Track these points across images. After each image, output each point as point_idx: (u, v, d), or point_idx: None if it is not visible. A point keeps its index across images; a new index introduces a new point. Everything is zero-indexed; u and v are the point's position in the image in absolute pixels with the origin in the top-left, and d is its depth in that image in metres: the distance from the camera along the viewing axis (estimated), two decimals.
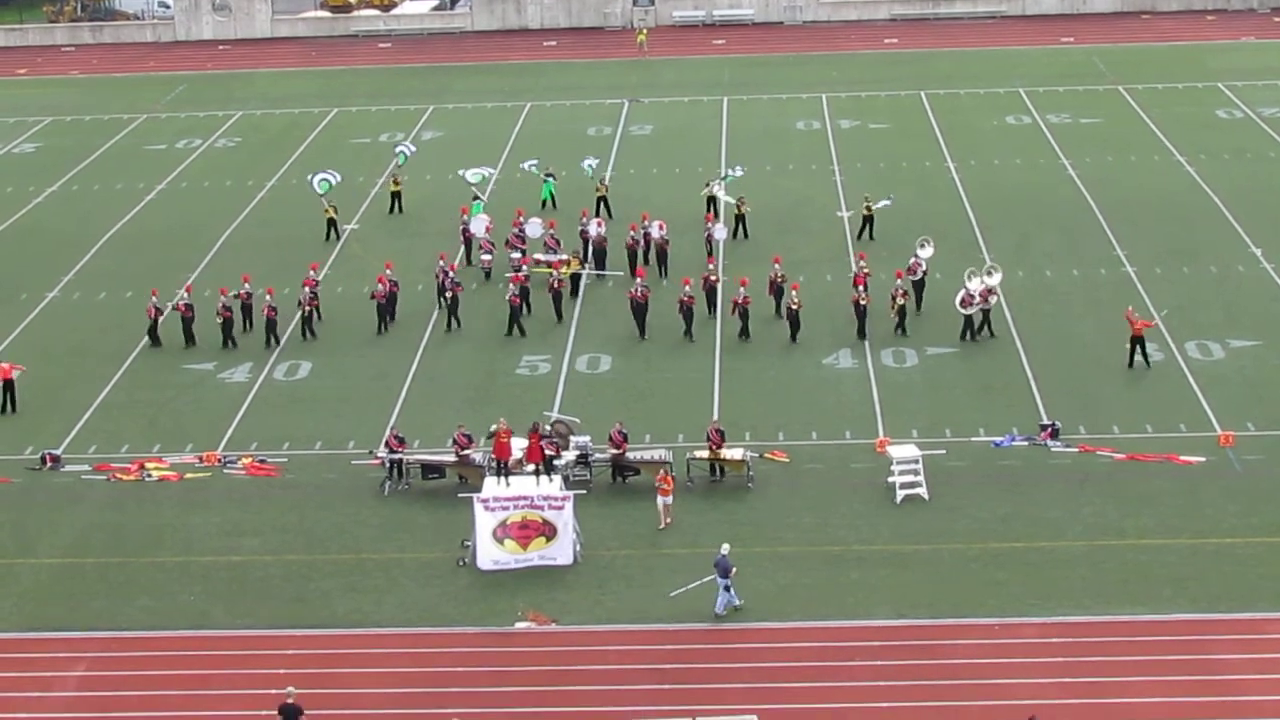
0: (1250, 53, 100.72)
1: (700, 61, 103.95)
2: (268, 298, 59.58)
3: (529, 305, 60.25)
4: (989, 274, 57.80)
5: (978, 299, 57.19)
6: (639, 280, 60.05)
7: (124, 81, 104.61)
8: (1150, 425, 51.13)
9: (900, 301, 57.87)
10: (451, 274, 60.75)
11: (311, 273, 62.03)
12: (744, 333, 58.10)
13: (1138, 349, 55.02)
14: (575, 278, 63.02)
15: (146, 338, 59.49)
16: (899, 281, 58.52)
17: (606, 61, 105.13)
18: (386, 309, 60.19)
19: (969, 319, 57.21)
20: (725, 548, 42.03)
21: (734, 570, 41.57)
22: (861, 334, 57.65)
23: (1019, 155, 79.68)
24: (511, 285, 60.36)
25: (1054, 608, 41.38)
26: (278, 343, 58.95)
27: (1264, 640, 39.75)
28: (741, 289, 58.43)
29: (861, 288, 58.42)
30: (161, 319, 59.53)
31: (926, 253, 60.69)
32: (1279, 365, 55.22)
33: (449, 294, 59.97)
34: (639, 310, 58.91)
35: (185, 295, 60.39)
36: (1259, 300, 60.77)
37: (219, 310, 59.23)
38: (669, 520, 45.51)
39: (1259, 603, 41.33)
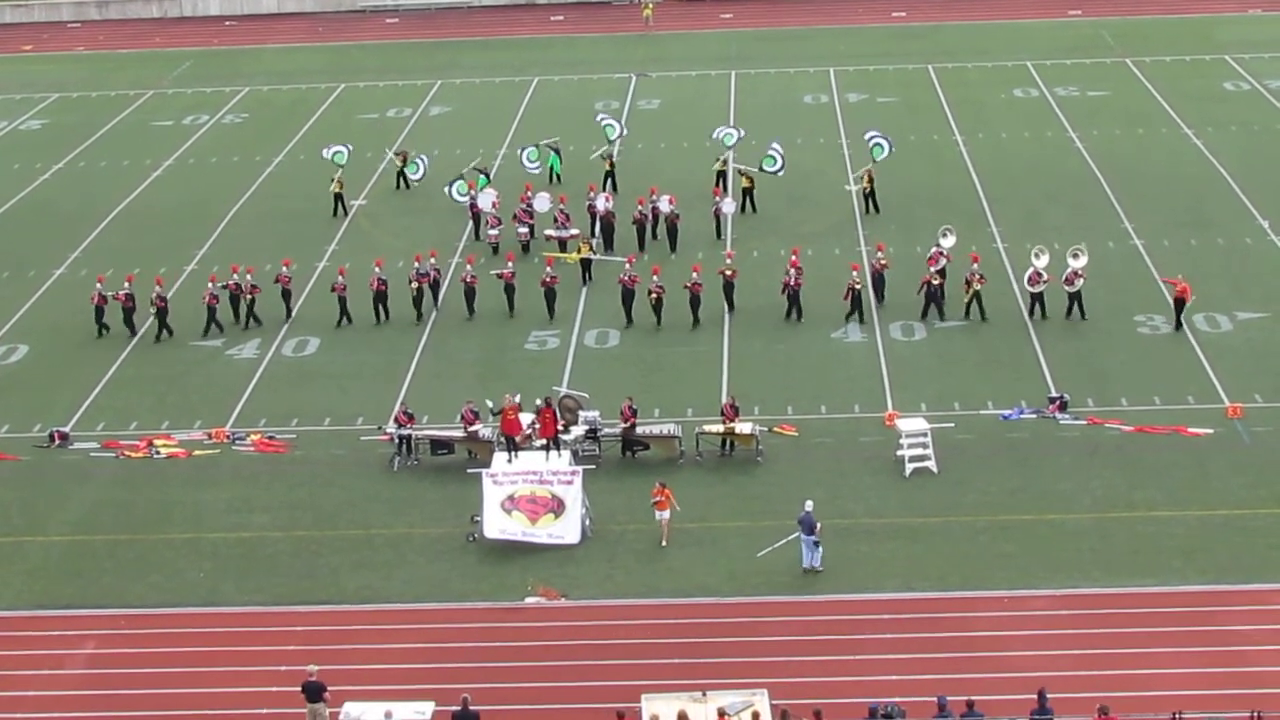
0: (1258, 25, 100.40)
1: (708, 35, 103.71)
2: (210, 285, 58.79)
3: (512, 304, 58.60)
4: (1074, 256, 57.00)
5: (1046, 277, 56.56)
6: (629, 266, 59.00)
7: (130, 57, 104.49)
8: (1158, 397, 51.11)
9: (976, 286, 56.71)
10: (417, 265, 59.52)
11: (285, 269, 60.20)
12: (789, 314, 57.20)
13: (1181, 312, 55.59)
14: (586, 263, 62.06)
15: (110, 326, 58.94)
16: (975, 266, 57.36)
17: (614, 36, 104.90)
18: (378, 303, 58.53)
19: (1038, 296, 56.55)
20: (809, 504, 42.34)
21: (819, 526, 41.86)
22: (940, 315, 56.86)
23: (1027, 128, 79.52)
24: (468, 266, 59.77)
25: (1063, 580, 41.43)
26: (220, 330, 58.24)
27: (1273, 611, 39.81)
28: (792, 270, 57.65)
29: (934, 267, 57.33)
30: (106, 307, 58.75)
31: (949, 242, 59.28)
32: None
33: (414, 285, 58.81)
34: (628, 297, 57.80)
35: (127, 285, 59.24)
36: (1267, 272, 60.67)
37: (153, 300, 58.29)
38: (668, 536, 43.83)
39: (1268, 573, 41.38)
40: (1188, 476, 46.36)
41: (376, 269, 59.57)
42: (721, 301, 58.22)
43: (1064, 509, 44.89)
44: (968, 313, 56.88)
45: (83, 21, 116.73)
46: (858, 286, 57.13)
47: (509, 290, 58.89)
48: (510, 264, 59.92)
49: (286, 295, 59.71)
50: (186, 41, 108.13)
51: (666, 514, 43.69)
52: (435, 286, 59.76)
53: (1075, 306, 56.72)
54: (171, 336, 58.13)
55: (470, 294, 58.88)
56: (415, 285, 59.02)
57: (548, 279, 58.70)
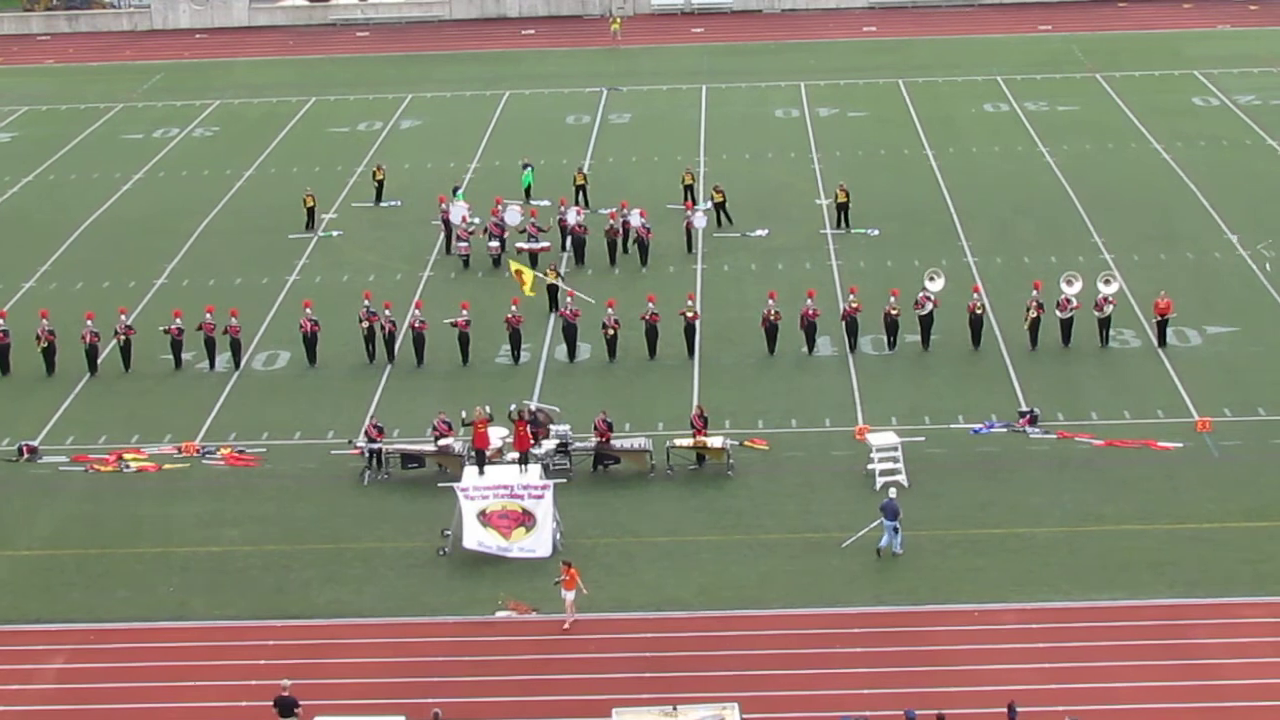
0: (1226, 40, 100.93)
1: (679, 49, 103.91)
2: (89, 323, 56.49)
3: (467, 355, 56.25)
4: (1105, 283, 56.69)
5: (1075, 303, 56.07)
6: (570, 300, 57.42)
7: (100, 70, 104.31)
8: (1128, 411, 51.26)
9: (1034, 314, 55.65)
10: (367, 303, 56.84)
11: (208, 315, 56.90)
12: (771, 349, 56.24)
13: (1162, 329, 55.93)
14: (553, 289, 60.07)
15: None
16: (1035, 293, 56.29)
17: (585, 50, 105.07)
18: (309, 346, 56.60)
19: (1066, 323, 55.87)
20: (893, 491, 43.20)
21: (901, 514, 42.73)
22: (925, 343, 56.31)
23: (997, 143, 79.76)
24: (415, 311, 56.90)
25: (1033, 593, 41.48)
26: (95, 372, 56.34)
27: (1241, 624, 39.89)
28: (809, 300, 56.51)
29: (919, 312, 56.07)
30: None
31: (936, 286, 57.11)
32: (1256, 351, 55.43)
33: (365, 324, 56.37)
34: (570, 332, 56.64)
35: (0, 321, 57.83)
36: (1236, 286, 60.92)
37: (40, 334, 56.30)
38: (573, 617, 41.03)
39: (1236, 587, 41.49)
40: (1157, 490, 46.49)
41: (307, 310, 57.58)
42: (682, 343, 56.54)
43: (1034, 523, 44.97)
44: (1034, 342, 55.83)
45: (52, 34, 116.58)
46: (895, 313, 56.09)
47: (463, 340, 56.57)
48: (465, 312, 56.71)
49: (210, 343, 56.37)
50: (157, 55, 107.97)
51: (572, 594, 41.19)
52: (390, 340, 56.63)
53: (1104, 333, 56.11)
54: (55, 374, 56.32)
55: (419, 341, 56.36)
56: (366, 324, 56.60)
57: (512, 317, 56.58)
